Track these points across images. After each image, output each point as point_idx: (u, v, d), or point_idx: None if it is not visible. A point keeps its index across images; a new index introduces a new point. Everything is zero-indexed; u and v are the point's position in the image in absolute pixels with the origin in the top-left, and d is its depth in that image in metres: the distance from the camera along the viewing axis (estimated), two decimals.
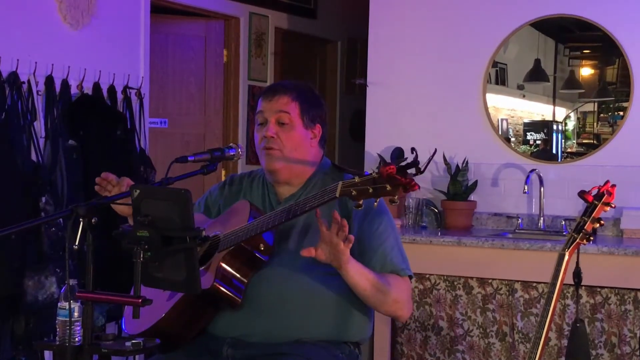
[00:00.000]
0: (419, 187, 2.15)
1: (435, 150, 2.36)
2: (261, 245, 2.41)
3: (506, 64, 4.66)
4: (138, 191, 2.04)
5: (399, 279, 2.48)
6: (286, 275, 2.44)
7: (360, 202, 2.17)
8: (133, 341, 2.14)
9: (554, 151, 4.58)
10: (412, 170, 2.13)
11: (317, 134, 2.57)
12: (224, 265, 2.39)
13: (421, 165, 2.13)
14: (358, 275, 2.37)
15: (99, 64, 4.48)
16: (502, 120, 4.66)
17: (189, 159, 2.41)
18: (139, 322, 2.40)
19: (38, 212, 3.95)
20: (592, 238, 2.51)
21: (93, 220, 2.05)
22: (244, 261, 2.41)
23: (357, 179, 2.17)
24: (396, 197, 2.14)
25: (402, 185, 2.10)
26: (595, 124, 4.49)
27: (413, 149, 2.20)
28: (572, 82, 4.53)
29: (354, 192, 2.17)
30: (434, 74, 4.80)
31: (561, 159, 4.55)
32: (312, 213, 2.45)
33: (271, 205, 2.57)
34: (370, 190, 2.14)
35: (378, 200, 2.17)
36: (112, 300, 2.16)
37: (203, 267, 2.41)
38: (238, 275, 2.41)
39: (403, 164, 2.13)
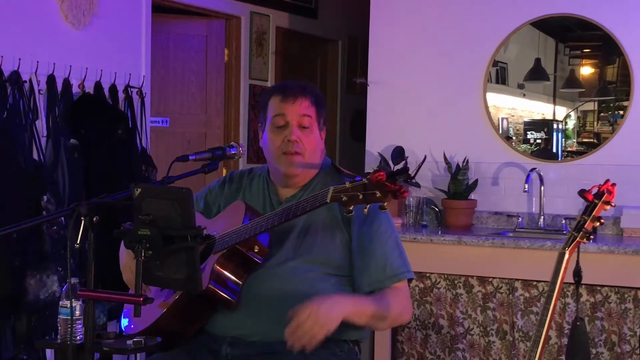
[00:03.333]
0: (409, 193, 2.16)
1: (425, 157, 2.38)
2: (256, 247, 2.42)
3: (506, 63, 4.67)
4: (139, 190, 2.05)
5: (397, 290, 2.48)
6: (285, 275, 2.44)
7: (351, 208, 2.18)
8: (134, 339, 2.15)
9: (554, 150, 4.59)
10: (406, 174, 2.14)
11: (323, 136, 2.60)
12: (218, 267, 2.39)
13: (411, 172, 2.15)
14: (354, 317, 2.37)
15: (100, 63, 4.49)
16: (502, 119, 4.66)
17: (190, 158, 2.42)
18: (136, 322, 2.41)
19: (39, 210, 3.95)
20: (592, 237, 2.51)
21: (95, 219, 2.06)
22: (238, 263, 2.42)
23: (347, 185, 2.18)
24: (385, 204, 2.15)
25: (391, 192, 2.11)
26: (595, 123, 4.50)
27: (404, 156, 2.21)
28: (573, 81, 4.54)
29: (344, 198, 2.18)
30: (435, 73, 4.81)
31: (561, 158, 4.56)
32: (311, 213, 2.46)
33: (272, 205, 2.58)
34: (360, 197, 2.15)
35: (368, 206, 2.18)
36: (114, 298, 2.17)
37: None
38: (233, 276, 2.42)
39: (394, 169, 2.14)
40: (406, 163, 2.20)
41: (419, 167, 2.23)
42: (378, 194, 2.12)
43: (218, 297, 2.39)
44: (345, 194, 2.18)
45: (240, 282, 2.43)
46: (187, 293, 2.35)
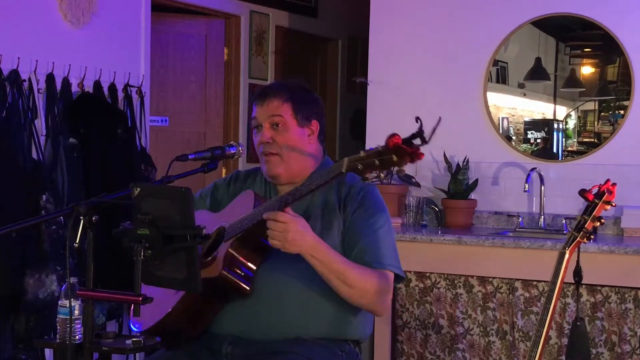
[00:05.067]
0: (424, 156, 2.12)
1: (440, 119, 2.32)
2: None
3: (507, 63, 4.66)
4: (139, 189, 2.05)
5: (374, 272, 2.44)
6: (286, 273, 2.44)
7: (367, 176, 2.15)
8: (133, 339, 2.15)
9: (555, 150, 4.58)
10: (417, 141, 2.11)
11: (314, 130, 2.57)
12: (231, 252, 2.38)
13: (426, 135, 2.12)
14: (315, 262, 2.36)
15: (99, 62, 4.48)
16: (502, 118, 4.66)
17: (190, 157, 2.42)
18: (146, 318, 2.39)
19: (38, 210, 3.95)
20: (592, 237, 2.51)
21: (94, 219, 2.06)
22: (251, 248, 2.40)
23: (362, 153, 2.15)
24: (403, 168, 2.12)
25: (408, 155, 2.09)
26: (595, 122, 4.49)
27: (417, 118, 2.17)
28: (573, 80, 4.53)
29: (360, 166, 2.14)
30: (435, 72, 4.80)
31: (562, 157, 4.55)
32: (312, 205, 2.44)
33: None
34: (377, 163, 2.11)
35: (368, 179, 2.15)
36: (113, 298, 2.17)
37: (211, 257, 2.41)
38: (246, 262, 2.40)
39: (408, 135, 2.12)
40: (421, 125, 2.16)
41: (434, 130, 2.19)
42: (395, 158, 2.08)
43: (231, 284, 2.37)
44: (361, 162, 2.14)
45: (254, 268, 2.41)
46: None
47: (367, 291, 2.41)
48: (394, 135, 2.09)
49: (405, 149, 2.08)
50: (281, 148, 2.51)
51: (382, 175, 2.17)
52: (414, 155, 2.09)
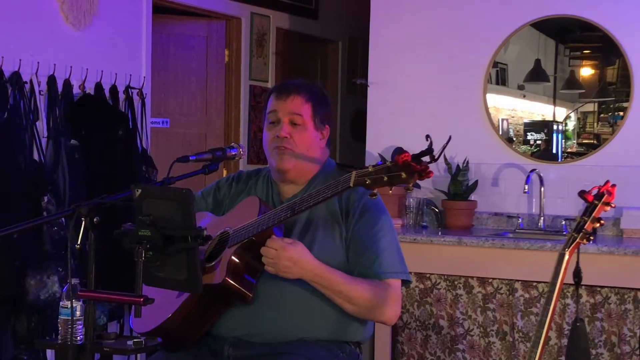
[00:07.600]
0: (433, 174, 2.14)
1: (450, 137, 2.33)
2: None
3: (507, 64, 4.67)
4: (140, 191, 2.05)
5: (385, 285, 2.46)
6: None
7: (375, 191, 2.16)
8: (135, 340, 2.16)
9: (554, 151, 4.59)
10: (426, 158, 2.13)
11: (325, 134, 2.59)
12: (235, 259, 2.37)
13: (435, 153, 2.13)
14: (316, 285, 2.40)
15: (101, 64, 4.49)
16: (502, 120, 4.66)
17: (191, 158, 2.42)
18: (147, 321, 2.40)
19: (40, 211, 3.96)
20: (592, 238, 2.51)
21: (95, 220, 2.06)
22: (255, 256, 2.40)
23: (370, 168, 2.16)
24: (411, 185, 2.14)
25: (417, 172, 2.10)
26: (595, 124, 4.50)
27: (427, 136, 2.19)
28: (573, 82, 4.54)
29: (368, 181, 2.16)
30: (435, 73, 4.81)
31: (561, 159, 4.56)
32: (314, 212, 2.45)
33: (274, 205, 2.57)
34: (385, 179, 2.13)
35: (376, 194, 2.17)
36: (114, 299, 2.17)
37: (214, 263, 2.41)
38: (249, 270, 2.39)
39: (417, 152, 2.13)
40: (431, 143, 2.17)
41: (444, 148, 2.20)
42: (404, 175, 2.10)
43: (234, 291, 2.37)
44: (369, 176, 2.15)
45: (257, 276, 2.41)
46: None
47: (372, 307, 2.44)
48: (403, 152, 2.10)
49: (414, 166, 2.09)
50: (296, 146, 2.51)
51: (390, 192, 2.18)
52: (423, 172, 2.10)
